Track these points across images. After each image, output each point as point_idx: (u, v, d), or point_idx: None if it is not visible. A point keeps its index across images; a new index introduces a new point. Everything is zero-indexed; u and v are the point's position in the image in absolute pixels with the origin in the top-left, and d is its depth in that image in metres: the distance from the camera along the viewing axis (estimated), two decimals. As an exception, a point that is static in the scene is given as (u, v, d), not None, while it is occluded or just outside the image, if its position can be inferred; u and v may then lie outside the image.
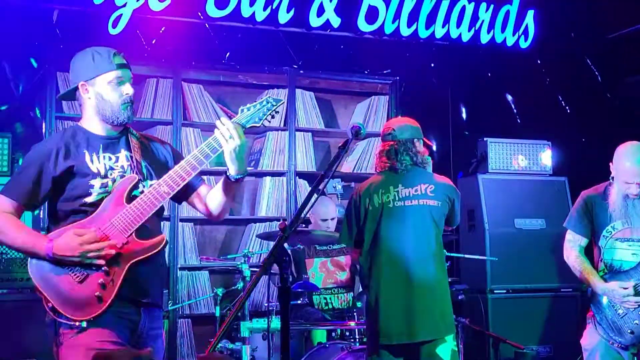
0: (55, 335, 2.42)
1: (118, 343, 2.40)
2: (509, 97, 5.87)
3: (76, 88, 2.58)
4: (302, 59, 5.19)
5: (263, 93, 5.24)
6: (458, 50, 5.45)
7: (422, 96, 5.49)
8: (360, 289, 4.26)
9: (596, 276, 3.40)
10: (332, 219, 4.60)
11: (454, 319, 3.38)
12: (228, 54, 5.02)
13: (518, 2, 5.51)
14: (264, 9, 4.88)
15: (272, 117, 2.61)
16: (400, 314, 3.20)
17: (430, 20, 5.29)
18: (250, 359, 3.80)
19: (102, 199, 2.48)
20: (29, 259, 2.46)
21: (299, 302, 4.09)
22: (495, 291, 4.90)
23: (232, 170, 2.55)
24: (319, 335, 4.06)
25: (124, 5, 4.54)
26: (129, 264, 2.45)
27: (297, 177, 5.15)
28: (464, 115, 5.80)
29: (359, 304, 4.01)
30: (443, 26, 5.33)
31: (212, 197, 2.69)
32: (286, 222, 2.23)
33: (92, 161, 2.52)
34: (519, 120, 5.82)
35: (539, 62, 5.76)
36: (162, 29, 4.80)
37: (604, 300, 3.36)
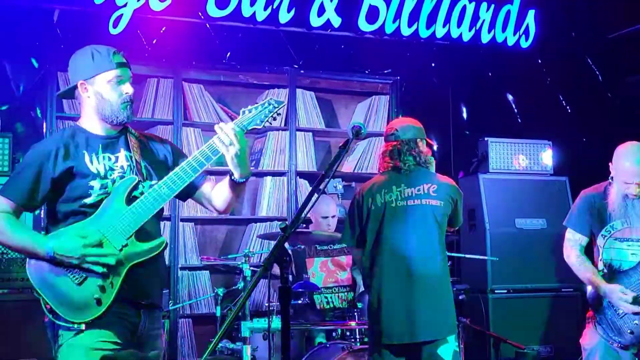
0: (54, 337, 2.41)
1: (118, 344, 2.40)
2: (510, 97, 5.87)
3: (75, 87, 2.56)
4: (303, 58, 5.19)
5: (264, 93, 5.24)
6: (459, 50, 5.45)
7: (423, 96, 5.49)
8: (361, 289, 4.27)
9: (598, 276, 3.39)
10: (333, 216, 4.61)
11: (456, 320, 3.38)
12: (229, 53, 5.02)
13: (519, 1, 5.51)
14: (265, 9, 4.88)
15: (274, 119, 2.58)
16: (402, 314, 3.20)
17: (431, 20, 5.29)
18: (250, 359, 3.80)
19: (101, 200, 2.46)
20: (28, 259, 2.44)
21: (300, 302, 4.08)
22: (496, 291, 4.90)
23: (236, 174, 2.54)
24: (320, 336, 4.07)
25: (125, 5, 4.54)
26: (128, 267, 2.43)
27: (298, 177, 5.15)
28: (464, 115, 5.80)
29: (359, 305, 4.01)
30: (444, 26, 5.33)
31: (217, 193, 2.67)
32: (287, 223, 2.22)
33: (91, 162, 2.50)
34: (519, 120, 5.82)
35: (539, 61, 5.76)
36: (163, 29, 4.80)
37: (604, 300, 3.36)
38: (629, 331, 3.29)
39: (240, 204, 5.27)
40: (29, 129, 4.61)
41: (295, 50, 5.16)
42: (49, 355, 2.47)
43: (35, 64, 4.63)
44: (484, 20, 5.44)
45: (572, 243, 3.54)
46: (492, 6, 5.46)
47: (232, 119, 5.13)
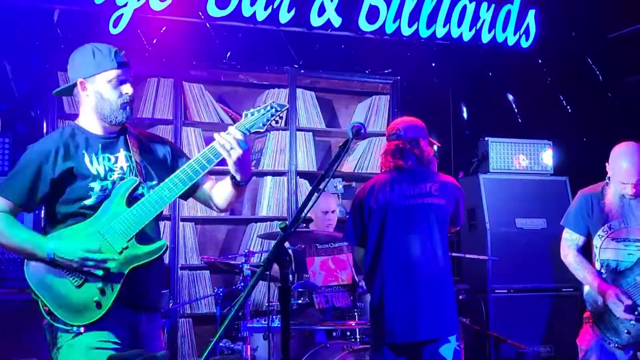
0: (53, 339, 2.38)
1: (118, 344, 2.38)
2: (510, 97, 5.87)
3: (74, 85, 2.53)
4: (303, 58, 5.19)
5: (264, 93, 5.24)
6: (459, 49, 5.44)
7: (423, 96, 5.49)
8: (362, 289, 4.27)
9: (596, 276, 3.39)
10: (333, 211, 4.62)
11: (457, 319, 3.37)
12: (229, 53, 5.02)
13: (519, 1, 5.51)
14: (265, 9, 4.88)
15: (276, 122, 2.57)
16: (404, 313, 3.19)
17: (431, 19, 5.29)
18: (250, 359, 3.80)
19: (101, 202, 2.44)
20: (26, 261, 2.41)
21: (300, 301, 4.08)
22: (496, 291, 4.90)
23: (238, 177, 2.53)
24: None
25: (125, 5, 4.55)
26: (128, 269, 2.41)
27: (298, 176, 5.15)
28: (465, 115, 5.80)
29: (359, 304, 4.01)
30: (444, 26, 5.33)
31: (218, 192, 2.65)
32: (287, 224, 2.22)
33: (91, 163, 2.47)
34: (520, 120, 5.82)
35: (540, 61, 5.76)
36: (163, 29, 4.80)
37: (601, 300, 3.36)
38: (625, 331, 3.29)
39: (240, 204, 5.27)
40: (29, 129, 4.61)
41: (296, 50, 5.16)
42: (49, 355, 2.45)
43: (36, 64, 4.62)
44: (484, 20, 5.44)
45: (570, 243, 3.53)
46: (493, 6, 5.45)
47: (232, 119, 5.17)
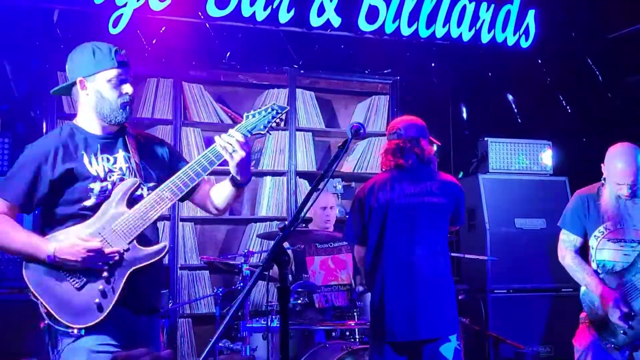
0: (54, 342, 2.36)
1: (118, 347, 2.37)
2: (510, 97, 5.87)
3: (73, 83, 2.50)
4: (303, 58, 5.19)
5: (263, 93, 5.25)
6: (459, 50, 5.44)
7: (423, 96, 5.49)
8: (362, 289, 4.26)
9: (595, 277, 3.38)
10: (331, 207, 4.63)
11: (458, 318, 3.37)
12: (228, 53, 5.02)
13: (519, 1, 5.51)
14: (265, 9, 4.88)
15: (277, 124, 2.57)
16: (404, 312, 3.19)
17: (431, 19, 5.29)
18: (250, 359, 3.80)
19: (101, 203, 2.42)
20: (25, 262, 2.38)
21: (299, 301, 4.08)
22: (495, 291, 4.90)
23: (239, 178, 2.53)
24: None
25: (125, 5, 4.55)
26: (129, 271, 2.39)
27: (298, 176, 5.15)
28: (464, 115, 5.80)
29: (359, 304, 4.01)
30: (444, 26, 5.33)
31: (217, 194, 2.65)
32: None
33: (90, 163, 2.45)
34: (519, 120, 5.82)
35: (539, 61, 5.76)
36: (163, 29, 4.80)
37: (598, 301, 3.35)
38: (621, 332, 3.28)
39: (240, 204, 5.27)
40: (28, 129, 4.61)
41: (295, 50, 5.16)
42: (48, 357, 2.44)
43: (36, 64, 4.62)
44: (483, 20, 5.43)
45: (567, 244, 3.52)
46: (492, 6, 5.45)
47: (231, 119, 5.17)
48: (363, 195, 3.37)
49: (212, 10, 4.78)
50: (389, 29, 5.20)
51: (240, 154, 2.44)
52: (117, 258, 2.36)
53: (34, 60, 4.61)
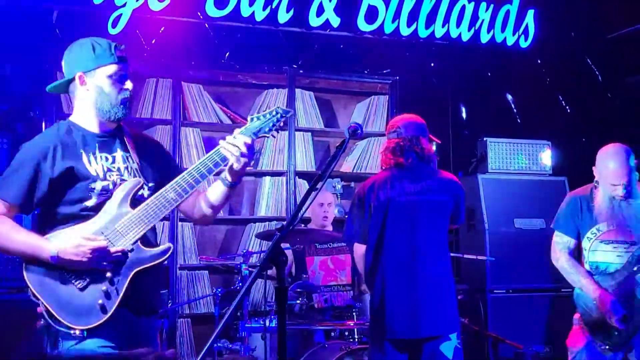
0: (53, 344, 2.32)
1: (118, 347, 2.35)
2: (509, 97, 5.87)
3: (71, 79, 2.45)
4: (302, 58, 5.19)
5: (263, 93, 5.24)
6: (458, 49, 5.44)
7: (422, 96, 5.48)
8: (361, 289, 4.27)
9: (592, 280, 3.38)
10: (329, 204, 4.63)
11: (458, 317, 3.37)
12: (227, 53, 5.02)
13: (518, 1, 5.50)
14: (264, 9, 4.88)
15: (281, 127, 2.57)
16: (405, 310, 3.18)
17: (430, 19, 5.29)
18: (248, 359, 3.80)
19: (102, 203, 2.38)
20: (25, 262, 2.33)
21: (298, 301, 4.09)
22: (494, 291, 4.89)
23: (230, 178, 2.51)
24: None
25: (124, 5, 4.55)
26: (133, 272, 2.36)
27: (297, 176, 5.15)
28: (463, 115, 5.80)
29: (358, 304, 4.01)
30: (443, 26, 5.32)
31: (203, 202, 2.59)
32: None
33: (89, 162, 2.41)
34: (518, 120, 5.81)
35: (539, 61, 5.75)
36: (162, 29, 4.80)
37: (592, 302, 3.34)
38: (615, 333, 3.28)
39: (239, 204, 5.27)
40: (28, 129, 4.61)
41: (294, 50, 5.16)
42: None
43: (35, 64, 4.62)
44: (483, 20, 5.43)
45: (561, 246, 3.51)
46: (492, 6, 5.45)
47: (231, 119, 5.17)
48: (363, 193, 3.37)
49: (211, 10, 4.78)
50: (388, 29, 5.20)
51: (247, 156, 2.44)
52: (121, 258, 2.33)
53: (33, 60, 4.61)
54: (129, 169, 2.47)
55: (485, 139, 5.20)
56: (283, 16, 4.94)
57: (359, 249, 3.41)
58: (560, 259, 3.50)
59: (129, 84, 2.46)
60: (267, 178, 5.17)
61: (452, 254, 4.48)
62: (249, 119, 2.53)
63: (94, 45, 2.43)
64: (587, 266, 3.44)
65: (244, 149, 2.43)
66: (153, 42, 4.79)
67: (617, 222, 3.37)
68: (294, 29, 5.07)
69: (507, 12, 5.50)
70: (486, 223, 4.95)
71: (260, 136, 2.50)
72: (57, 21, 4.59)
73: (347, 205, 4.42)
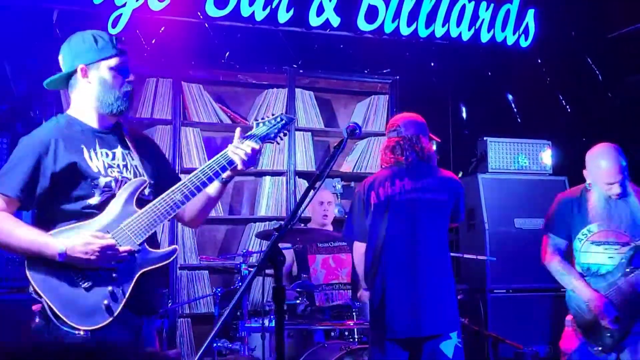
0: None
1: None
2: (509, 97, 5.86)
3: (72, 73, 2.41)
4: (302, 58, 5.19)
5: (263, 93, 5.25)
6: (458, 49, 5.44)
7: (422, 95, 5.48)
8: (357, 294, 4.26)
9: (584, 281, 3.36)
10: (329, 202, 4.64)
11: (458, 315, 3.37)
12: (228, 53, 5.02)
13: (518, 1, 5.50)
14: (264, 9, 4.88)
15: (285, 134, 2.61)
16: (406, 309, 3.19)
17: (430, 19, 5.29)
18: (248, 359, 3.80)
19: (106, 201, 2.33)
20: (27, 261, 2.26)
21: (298, 301, 4.09)
22: (494, 291, 4.89)
23: (225, 176, 2.52)
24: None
25: (124, 5, 4.55)
26: (139, 273, 2.32)
27: (297, 176, 5.15)
28: (464, 115, 5.80)
29: (358, 304, 4.01)
30: (443, 25, 5.32)
31: (193, 204, 2.56)
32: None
33: (90, 158, 2.35)
34: (519, 120, 5.81)
35: (539, 61, 5.75)
36: (162, 29, 4.80)
37: (585, 304, 3.33)
38: (608, 334, 3.27)
39: (239, 204, 5.28)
40: (27, 129, 4.59)
41: (294, 49, 5.16)
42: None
43: (35, 64, 4.63)
44: (483, 20, 5.43)
45: (553, 248, 3.49)
46: (492, 5, 5.44)
47: (231, 119, 5.17)
48: (363, 191, 3.37)
49: (212, 10, 4.78)
50: (388, 28, 5.20)
51: (253, 160, 2.48)
52: (129, 258, 2.30)
53: (33, 60, 4.60)
54: (129, 166, 2.44)
55: (485, 138, 5.19)
56: (283, 16, 4.94)
57: (359, 247, 3.41)
58: (552, 261, 3.48)
59: (131, 77, 2.44)
60: (267, 178, 5.17)
61: (452, 254, 4.48)
62: (253, 123, 2.56)
63: (96, 37, 2.39)
64: (578, 268, 3.42)
65: (251, 154, 2.47)
66: (153, 42, 4.79)
67: (608, 223, 3.33)
68: (294, 29, 5.07)
69: (508, 12, 5.50)
70: (486, 223, 4.95)
71: (266, 142, 2.55)
72: (57, 21, 4.59)
73: (347, 205, 4.42)
